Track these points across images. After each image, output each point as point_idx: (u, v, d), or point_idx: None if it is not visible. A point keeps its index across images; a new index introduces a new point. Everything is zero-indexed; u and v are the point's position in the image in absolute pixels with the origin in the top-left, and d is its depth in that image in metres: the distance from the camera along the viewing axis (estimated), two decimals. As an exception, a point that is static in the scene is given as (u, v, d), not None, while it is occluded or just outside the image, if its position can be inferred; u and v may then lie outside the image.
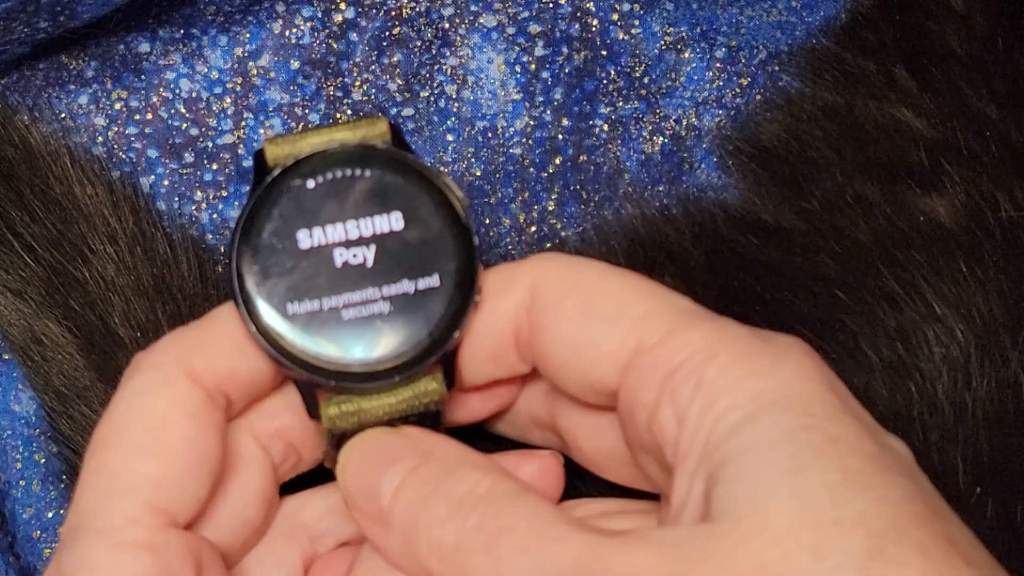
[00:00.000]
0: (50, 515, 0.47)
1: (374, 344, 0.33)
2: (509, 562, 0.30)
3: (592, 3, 0.50)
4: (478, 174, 0.50)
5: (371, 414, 0.34)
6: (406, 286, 0.33)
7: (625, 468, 0.35)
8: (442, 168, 0.49)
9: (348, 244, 0.33)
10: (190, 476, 0.32)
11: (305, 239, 0.33)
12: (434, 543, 0.31)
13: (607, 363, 0.32)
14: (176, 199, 0.49)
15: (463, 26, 0.50)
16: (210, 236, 0.49)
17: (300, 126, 0.49)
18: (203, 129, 0.49)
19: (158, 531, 0.31)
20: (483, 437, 0.37)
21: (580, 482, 0.38)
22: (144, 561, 0.31)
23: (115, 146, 0.49)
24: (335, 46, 0.50)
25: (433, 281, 0.33)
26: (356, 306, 0.33)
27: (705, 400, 0.30)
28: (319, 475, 0.37)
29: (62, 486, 0.46)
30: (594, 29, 0.51)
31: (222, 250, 0.48)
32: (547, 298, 0.33)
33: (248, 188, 0.49)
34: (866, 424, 0.30)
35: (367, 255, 0.33)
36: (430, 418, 0.34)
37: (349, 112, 0.50)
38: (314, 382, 0.33)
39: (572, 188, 0.50)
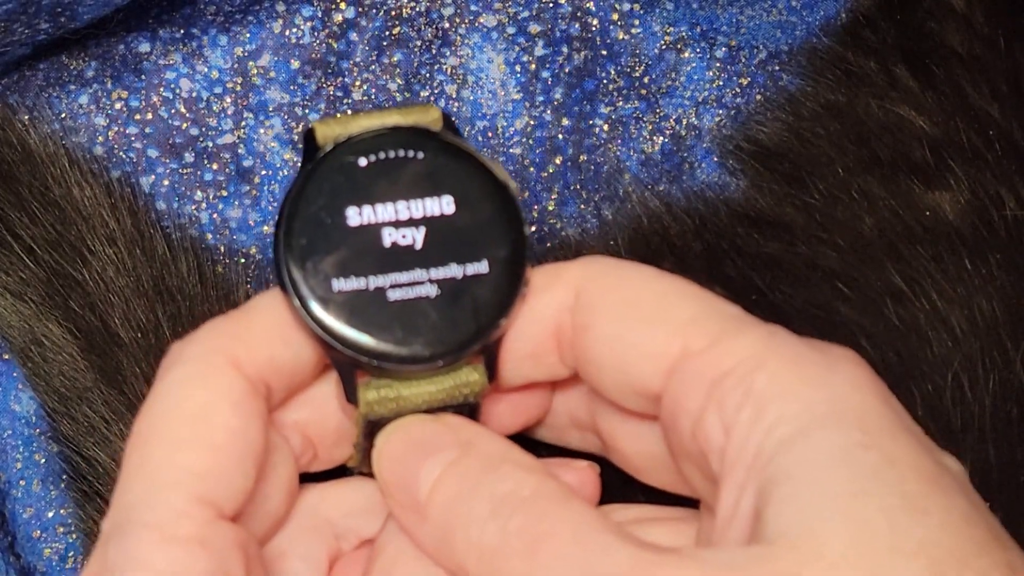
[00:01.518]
0: (50, 515, 0.47)
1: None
2: (550, 570, 0.29)
3: (592, 3, 0.50)
4: (478, 174, 0.50)
5: (410, 402, 0.33)
6: (454, 270, 0.33)
7: (666, 473, 0.34)
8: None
9: (397, 224, 0.33)
10: (236, 468, 0.31)
11: (354, 216, 0.32)
12: (472, 541, 0.30)
13: (650, 366, 0.32)
14: (176, 199, 0.49)
15: (463, 26, 0.50)
16: (210, 236, 0.49)
17: (301, 126, 0.49)
18: (203, 129, 0.49)
19: (208, 525, 0.30)
20: (520, 444, 0.36)
21: (613, 487, 0.37)
22: (197, 556, 0.30)
23: (115, 146, 0.49)
24: (335, 46, 0.50)
25: (482, 267, 0.33)
26: (403, 287, 0.32)
27: (754, 409, 0.29)
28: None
29: (62, 486, 0.46)
30: (594, 29, 0.51)
31: (222, 250, 0.48)
32: (592, 298, 0.33)
33: (247, 187, 0.49)
34: (922, 441, 0.29)
35: (416, 236, 0.33)
36: (467, 411, 0.34)
37: (349, 113, 0.50)
38: (355, 361, 0.32)
39: (572, 188, 0.50)
